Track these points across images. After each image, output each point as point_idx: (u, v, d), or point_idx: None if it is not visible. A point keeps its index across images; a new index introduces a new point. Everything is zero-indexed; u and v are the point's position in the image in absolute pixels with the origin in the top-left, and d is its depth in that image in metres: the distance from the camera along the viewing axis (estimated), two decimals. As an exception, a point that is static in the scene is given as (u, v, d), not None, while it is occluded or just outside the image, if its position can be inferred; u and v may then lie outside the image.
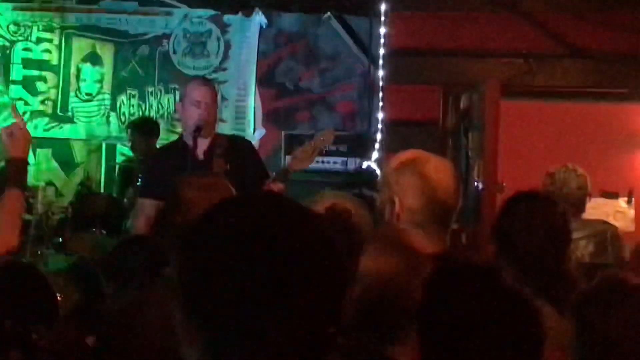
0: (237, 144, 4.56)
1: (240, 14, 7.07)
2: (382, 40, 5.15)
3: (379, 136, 5.04)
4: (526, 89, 4.35)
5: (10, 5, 7.28)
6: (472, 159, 4.38)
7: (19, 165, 3.14)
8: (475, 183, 4.32)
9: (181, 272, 1.21)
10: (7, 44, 7.30)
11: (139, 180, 6.16)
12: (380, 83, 5.05)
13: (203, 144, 4.40)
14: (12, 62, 7.29)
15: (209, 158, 4.39)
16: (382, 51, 5.16)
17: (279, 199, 1.28)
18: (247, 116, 7.07)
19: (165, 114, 7.17)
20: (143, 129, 6.45)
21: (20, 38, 7.30)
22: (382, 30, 5.10)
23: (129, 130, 6.56)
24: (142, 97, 7.21)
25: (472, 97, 4.30)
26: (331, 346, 1.22)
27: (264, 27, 7.06)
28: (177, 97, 6.99)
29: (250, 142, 5.02)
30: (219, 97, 4.78)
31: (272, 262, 1.16)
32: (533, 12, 4.40)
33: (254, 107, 7.09)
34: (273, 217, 1.20)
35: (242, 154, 4.48)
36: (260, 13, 7.02)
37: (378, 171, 4.94)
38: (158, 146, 6.14)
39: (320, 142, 4.38)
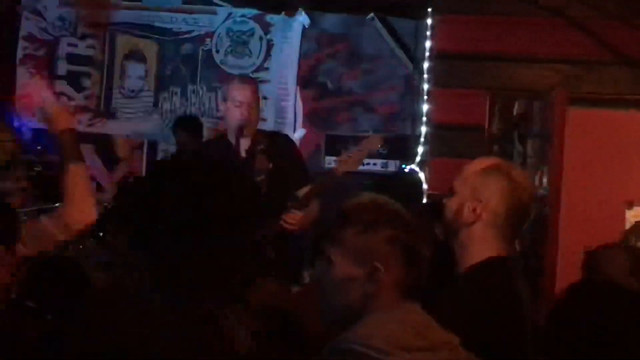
0: (278, 141, 4.63)
1: (283, 13, 7.09)
2: (427, 44, 5.13)
3: (422, 139, 5.02)
4: (573, 96, 4.31)
5: (57, 0, 7.37)
6: (530, 167, 4.37)
7: (69, 138, 3.13)
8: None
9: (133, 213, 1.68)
10: (52, 39, 7.40)
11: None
12: (425, 86, 5.03)
13: (245, 142, 4.49)
14: (57, 57, 7.39)
15: (251, 156, 4.47)
16: (427, 54, 5.14)
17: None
18: (288, 116, 7.09)
19: (207, 111, 7.22)
20: (187, 126, 6.50)
21: (65, 33, 7.39)
22: (428, 33, 5.08)
23: (174, 128, 6.62)
24: (185, 95, 7.26)
25: (534, 104, 4.30)
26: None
27: (307, 27, 7.07)
28: (219, 96, 7.04)
29: (290, 139, 5.06)
30: (260, 96, 4.79)
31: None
32: (580, 18, 4.36)
33: (295, 107, 7.11)
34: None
35: (284, 151, 4.56)
36: (303, 13, 7.03)
37: (422, 174, 4.93)
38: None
39: (366, 147, 4.41)
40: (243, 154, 4.49)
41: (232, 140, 4.47)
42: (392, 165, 6.45)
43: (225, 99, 4.59)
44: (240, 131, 4.43)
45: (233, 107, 4.45)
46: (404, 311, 1.91)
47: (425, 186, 4.67)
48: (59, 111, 3.18)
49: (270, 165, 4.41)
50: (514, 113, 4.40)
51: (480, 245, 2.38)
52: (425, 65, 5.12)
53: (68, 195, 3.05)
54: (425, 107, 4.98)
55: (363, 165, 6.25)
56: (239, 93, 4.45)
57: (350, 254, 1.94)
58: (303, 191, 4.34)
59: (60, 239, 3.08)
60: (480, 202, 2.39)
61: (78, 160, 3.10)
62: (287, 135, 5.12)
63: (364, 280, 1.92)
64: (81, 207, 3.06)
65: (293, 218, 4.22)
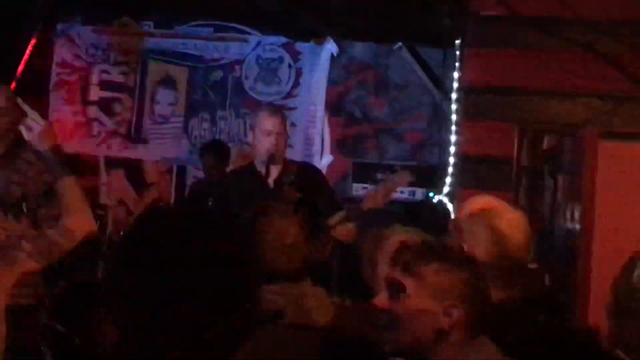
0: (307, 173, 4.67)
1: (312, 41, 7.17)
2: (456, 75, 5.17)
3: (450, 170, 5.05)
4: (604, 131, 4.33)
5: (90, 27, 7.50)
6: (560, 202, 4.39)
7: (58, 153, 3.30)
8: (566, 225, 4.34)
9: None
10: (86, 65, 7.52)
11: (210, 202, 6.30)
12: (454, 117, 5.07)
13: (274, 172, 4.53)
14: (89, 83, 7.51)
15: (279, 186, 4.50)
16: (455, 85, 5.18)
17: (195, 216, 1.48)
18: (315, 143, 7.15)
19: (236, 138, 7.29)
20: (215, 152, 6.58)
21: (98, 60, 7.52)
22: (457, 64, 5.12)
23: (201, 153, 6.70)
24: (213, 121, 7.35)
25: (564, 139, 4.33)
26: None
27: (335, 55, 7.14)
28: (248, 122, 7.13)
29: (320, 171, 5.09)
30: (288, 125, 4.86)
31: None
32: (611, 53, 4.38)
33: (323, 134, 7.17)
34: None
35: (313, 183, 4.59)
36: (332, 41, 7.10)
37: (450, 205, 4.96)
38: (229, 170, 6.26)
39: (395, 184, 4.47)
40: (271, 184, 4.53)
41: (261, 168, 4.52)
42: (419, 194, 6.49)
43: (253, 128, 4.64)
44: (269, 160, 4.47)
45: (262, 136, 4.49)
46: (475, 348, 1.97)
47: (453, 217, 4.69)
48: (47, 128, 3.31)
49: (298, 195, 4.47)
50: (544, 147, 4.42)
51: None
52: (454, 96, 5.16)
53: (67, 207, 3.23)
54: (453, 138, 5.02)
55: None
56: (268, 122, 4.50)
57: (430, 289, 1.98)
58: (334, 219, 4.38)
59: (65, 248, 3.21)
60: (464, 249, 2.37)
61: (69, 173, 3.26)
62: (316, 167, 5.16)
63: (440, 316, 1.97)
64: (81, 216, 3.23)
65: (347, 229, 4.29)
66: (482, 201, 2.53)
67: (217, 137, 7.30)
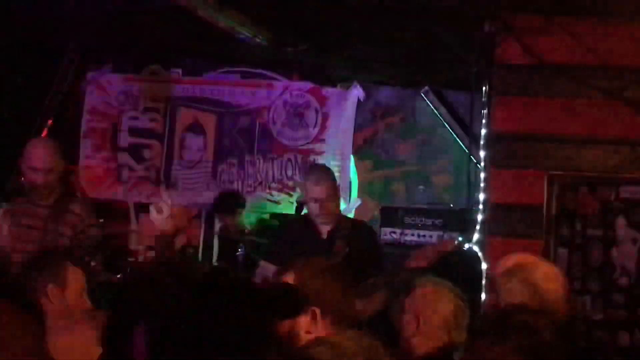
0: (359, 229, 4.86)
1: (338, 86, 7.23)
2: (484, 121, 5.18)
3: (479, 217, 5.05)
4: (633, 178, 4.33)
5: (120, 75, 7.62)
6: (591, 249, 4.41)
7: (171, 240, 3.33)
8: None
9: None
10: (116, 112, 7.63)
11: (239, 249, 6.35)
12: (482, 163, 5.07)
13: (327, 225, 4.78)
14: (119, 129, 7.62)
15: (331, 239, 4.73)
16: (483, 131, 5.19)
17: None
18: (343, 186, 7.17)
19: (265, 182, 7.34)
20: (221, 210, 6.75)
21: (127, 107, 7.62)
22: (484, 111, 5.13)
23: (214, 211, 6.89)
24: (242, 166, 7.41)
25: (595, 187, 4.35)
26: None
27: (362, 99, 7.19)
28: (275, 166, 7.20)
29: (371, 229, 5.20)
30: (337, 185, 4.98)
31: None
32: (639, 100, 4.39)
33: (350, 178, 7.20)
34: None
35: (363, 240, 4.79)
36: (358, 86, 7.16)
37: (480, 253, 4.95)
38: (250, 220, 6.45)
39: (441, 249, 4.57)
40: (324, 235, 4.77)
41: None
42: (448, 238, 6.46)
43: (303, 190, 4.98)
44: (318, 221, 4.76)
45: (311, 202, 4.74)
46: None
47: (484, 266, 4.69)
48: (176, 214, 3.38)
49: (347, 249, 4.61)
50: (575, 195, 4.42)
51: None
52: (482, 142, 5.16)
53: None
54: (482, 185, 5.02)
55: (419, 237, 6.37)
56: (315, 191, 4.71)
57: None
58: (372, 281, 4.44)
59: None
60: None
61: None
62: (368, 225, 5.24)
63: None
64: None
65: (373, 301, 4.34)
66: (516, 257, 2.55)
67: (246, 181, 7.34)
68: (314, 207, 4.71)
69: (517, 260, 2.54)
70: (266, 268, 4.69)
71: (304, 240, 4.71)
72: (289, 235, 4.87)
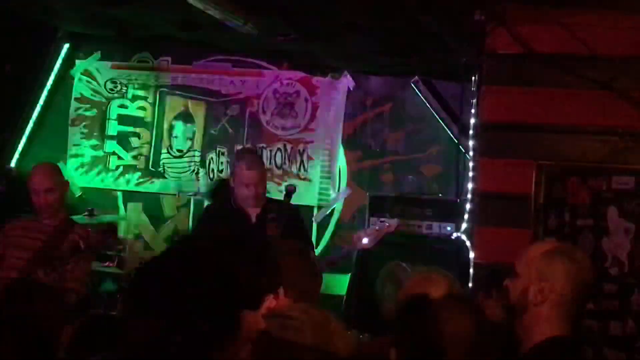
0: (286, 211, 4.95)
1: (329, 76, 7.22)
2: (473, 111, 5.19)
3: (468, 206, 5.06)
4: (621, 167, 4.34)
5: (109, 63, 7.59)
6: (581, 239, 4.46)
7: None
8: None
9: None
10: (104, 100, 7.60)
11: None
12: (471, 153, 5.09)
13: (256, 209, 4.98)
14: (108, 117, 7.59)
15: (261, 223, 4.89)
16: (472, 121, 5.20)
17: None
18: (333, 176, 7.18)
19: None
20: (214, 194, 6.64)
21: (116, 95, 7.60)
22: (473, 101, 5.15)
23: (208, 196, 6.80)
24: (231, 154, 7.39)
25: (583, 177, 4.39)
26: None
27: (352, 89, 7.18)
28: (264, 155, 7.19)
29: (297, 210, 5.33)
30: (265, 171, 5.23)
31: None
32: (629, 90, 4.40)
33: (340, 167, 7.20)
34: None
35: (291, 221, 4.90)
36: (349, 76, 7.14)
37: (468, 243, 4.97)
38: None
39: (384, 231, 4.77)
40: (254, 219, 4.97)
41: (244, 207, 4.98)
42: (436, 228, 6.48)
43: (233, 174, 5.06)
44: (246, 205, 4.95)
45: (241, 186, 4.92)
46: None
47: (472, 254, 4.70)
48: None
49: (279, 231, 4.71)
50: (563, 185, 4.43)
51: (546, 324, 2.51)
52: (471, 132, 5.18)
53: None
54: (470, 175, 5.03)
55: (407, 227, 6.36)
56: (246, 175, 4.91)
57: None
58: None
59: None
60: (547, 283, 2.52)
61: None
62: (294, 207, 5.26)
63: None
64: None
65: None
66: (549, 242, 2.78)
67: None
68: (244, 191, 4.87)
69: (553, 243, 2.73)
70: None
71: (233, 224, 4.84)
72: (216, 219, 4.99)
